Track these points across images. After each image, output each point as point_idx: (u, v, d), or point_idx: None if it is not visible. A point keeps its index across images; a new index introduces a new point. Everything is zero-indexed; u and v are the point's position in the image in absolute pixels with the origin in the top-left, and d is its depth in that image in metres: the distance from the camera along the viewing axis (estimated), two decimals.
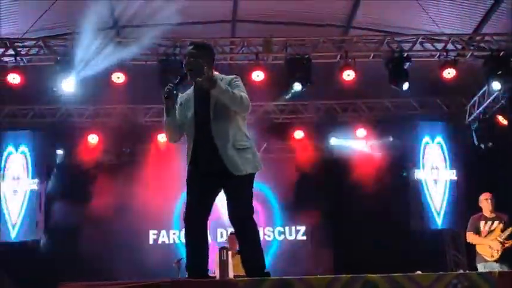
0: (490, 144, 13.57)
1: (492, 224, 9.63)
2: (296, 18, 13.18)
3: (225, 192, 5.18)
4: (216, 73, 5.23)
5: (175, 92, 5.21)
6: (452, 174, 14.42)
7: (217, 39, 11.93)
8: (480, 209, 9.89)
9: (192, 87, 5.38)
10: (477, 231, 9.71)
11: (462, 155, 14.50)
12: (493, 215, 9.70)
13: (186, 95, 5.35)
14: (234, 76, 5.33)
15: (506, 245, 9.37)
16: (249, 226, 5.13)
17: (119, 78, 11.71)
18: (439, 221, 14.14)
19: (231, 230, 12.32)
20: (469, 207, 13.75)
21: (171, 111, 5.22)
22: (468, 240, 9.84)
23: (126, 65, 11.86)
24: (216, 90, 4.97)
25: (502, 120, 13.27)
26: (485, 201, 9.77)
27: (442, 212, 14.14)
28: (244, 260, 5.16)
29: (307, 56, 11.76)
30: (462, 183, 14.31)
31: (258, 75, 11.70)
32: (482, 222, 9.72)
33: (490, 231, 9.58)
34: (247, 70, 11.68)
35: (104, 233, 14.12)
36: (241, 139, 5.20)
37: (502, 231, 9.45)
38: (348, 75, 11.80)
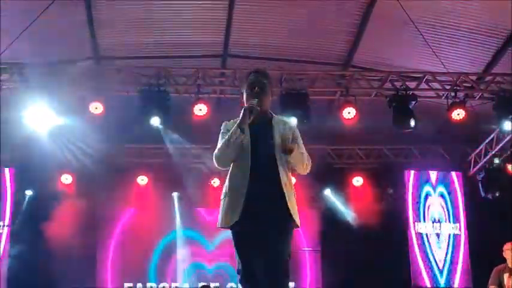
0: (498, 195, 12.67)
1: None
2: (291, 55, 12.42)
3: (272, 245, 4.31)
4: (276, 116, 4.67)
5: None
6: (455, 228, 13.44)
7: (207, 69, 11.04)
8: (504, 260, 8.76)
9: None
10: (500, 285, 8.60)
11: (466, 208, 13.62)
12: None
13: (234, 122, 4.51)
14: (295, 125, 4.70)
15: None
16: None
17: (96, 108, 10.61)
18: (441, 278, 13.10)
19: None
20: (474, 263, 12.91)
21: (245, 130, 4.38)
22: None
23: (105, 95, 10.81)
24: (295, 152, 4.37)
25: (511, 169, 12.33)
26: (509, 252, 8.64)
27: (445, 269, 13.13)
28: None
29: (304, 91, 10.77)
30: (466, 237, 13.41)
31: None
32: (506, 275, 8.62)
33: None
34: (237, 104, 10.71)
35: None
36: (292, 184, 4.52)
37: None
38: (349, 112, 10.83)
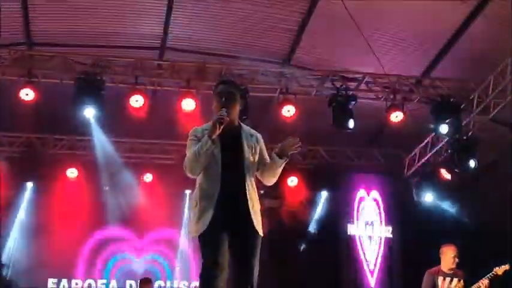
0: (431, 199, 12.78)
1: (451, 280, 8.45)
2: (231, 50, 12.19)
3: (240, 253, 4.51)
4: (243, 125, 4.81)
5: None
6: (388, 231, 13.53)
7: (144, 60, 10.70)
8: (438, 262, 8.67)
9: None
10: None
11: (399, 211, 13.70)
12: (451, 271, 8.51)
13: (205, 130, 4.61)
14: (260, 136, 4.83)
15: None
16: None
17: (27, 95, 10.15)
18: (372, 280, 13.14)
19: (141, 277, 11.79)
20: (407, 266, 12.98)
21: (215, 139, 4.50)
22: None
23: (37, 82, 10.38)
24: (282, 163, 4.66)
25: (444, 174, 12.43)
26: (448, 256, 8.55)
27: (376, 271, 13.15)
28: None
29: (244, 87, 10.58)
30: (398, 240, 13.44)
31: (187, 104, 10.44)
32: (440, 278, 8.48)
33: None
34: (176, 98, 10.50)
35: None
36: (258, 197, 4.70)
37: None
38: (288, 110, 10.73)
